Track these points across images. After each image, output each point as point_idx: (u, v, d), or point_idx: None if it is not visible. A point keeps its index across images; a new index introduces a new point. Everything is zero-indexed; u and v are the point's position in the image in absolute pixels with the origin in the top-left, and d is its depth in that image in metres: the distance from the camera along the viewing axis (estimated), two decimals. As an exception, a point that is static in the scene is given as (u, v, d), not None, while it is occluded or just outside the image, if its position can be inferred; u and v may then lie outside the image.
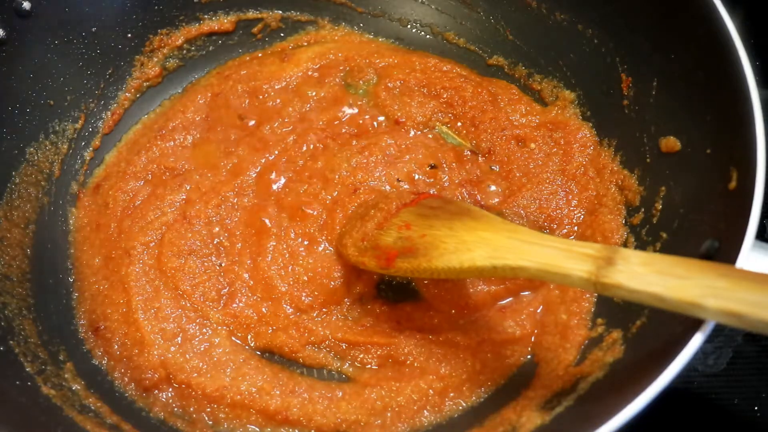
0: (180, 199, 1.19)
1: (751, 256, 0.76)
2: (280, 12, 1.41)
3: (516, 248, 0.85)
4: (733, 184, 0.85)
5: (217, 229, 1.16)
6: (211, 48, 1.39)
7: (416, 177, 1.21)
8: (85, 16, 1.22)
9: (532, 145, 1.23)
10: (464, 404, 1.01)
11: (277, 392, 1.01)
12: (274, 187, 1.20)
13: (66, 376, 0.99)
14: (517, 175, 1.21)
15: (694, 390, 1.11)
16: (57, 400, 0.93)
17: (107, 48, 1.28)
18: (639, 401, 0.71)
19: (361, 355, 1.06)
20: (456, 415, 1.00)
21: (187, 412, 1.01)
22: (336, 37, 1.40)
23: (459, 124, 1.28)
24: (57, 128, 1.22)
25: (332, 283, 1.11)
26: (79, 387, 0.99)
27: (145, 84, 1.34)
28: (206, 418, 1.00)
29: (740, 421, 1.10)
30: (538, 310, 1.08)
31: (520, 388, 0.98)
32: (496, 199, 1.19)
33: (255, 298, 1.11)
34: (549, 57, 1.28)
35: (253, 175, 1.21)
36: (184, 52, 1.37)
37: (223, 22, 1.38)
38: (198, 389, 1.01)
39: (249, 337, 1.08)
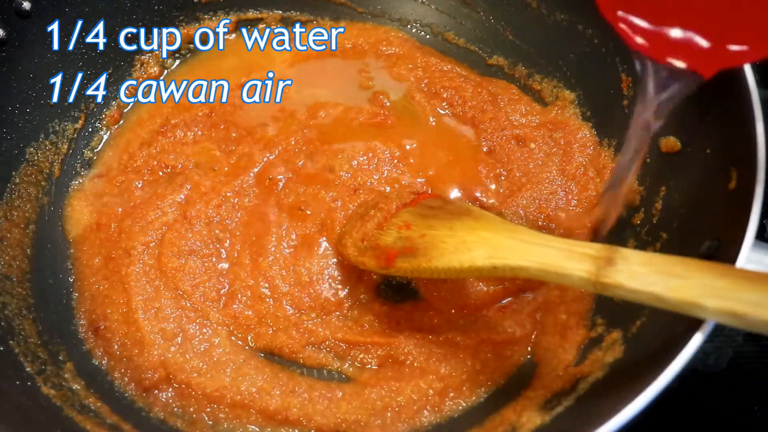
0: (180, 199, 1.19)
1: (751, 256, 0.76)
2: (280, 12, 1.42)
3: (516, 248, 0.85)
4: (733, 184, 0.85)
5: (217, 229, 1.16)
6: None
7: (416, 177, 1.22)
8: (85, 16, 1.22)
9: (532, 145, 1.23)
10: (464, 404, 1.01)
11: (277, 392, 1.01)
12: (274, 187, 1.20)
13: (66, 376, 0.99)
14: (517, 174, 1.21)
15: (694, 390, 1.11)
16: (57, 400, 0.93)
17: (107, 48, 1.28)
18: (639, 401, 0.71)
19: (361, 355, 1.06)
20: (456, 415, 1.00)
21: (187, 412, 1.01)
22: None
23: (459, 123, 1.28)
24: (57, 128, 1.22)
25: (332, 283, 1.11)
26: (79, 387, 0.99)
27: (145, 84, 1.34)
28: (206, 418, 1.00)
29: (740, 421, 1.10)
30: (538, 310, 1.08)
31: (520, 388, 0.98)
32: (495, 200, 1.19)
33: (255, 298, 1.10)
34: (549, 57, 1.28)
35: (253, 175, 1.21)
36: (184, 52, 1.37)
37: (224, 22, 1.39)
38: (198, 389, 1.01)
39: (249, 337, 1.08)
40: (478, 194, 1.20)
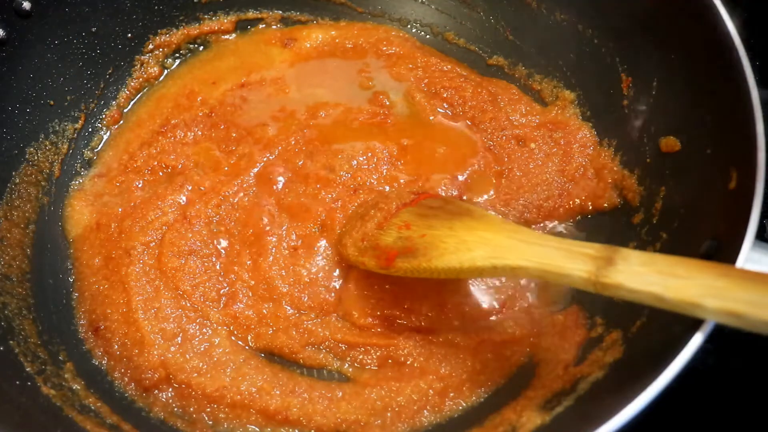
0: (180, 199, 1.19)
1: (751, 256, 0.76)
2: (280, 12, 1.42)
3: (516, 248, 0.85)
4: (733, 184, 0.85)
5: (217, 229, 1.16)
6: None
7: (416, 177, 1.21)
8: (85, 16, 1.22)
9: (532, 145, 1.23)
10: (464, 404, 1.01)
11: (277, 392, 1.01)
12: (274, 187, 1.20)
13: (66, 376, 0.99)
14: (517, 174, 1.21)
15: (694, 390, 1.11)
16: (57, 400, 0.93)
17: (107, 48, 1.28)
18: (639, 401, 0.71)
19: (361, 356, 1.06)
20: (456, 415, 1.00)
21: (187, 412, 1.01)
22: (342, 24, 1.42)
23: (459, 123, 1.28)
24: (57, 128, 1.22)
25: (332, 283, 1.11)
26: (79, 387, 0.99)
27: (145, 84, 1.34)
28: (206, 418, 1.00)
29: (740, 421, 1.10)
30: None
31: (520, 388, 0.98)
32: (494, 199, 1.19)
33: (255, 298, 1.10)
34: (549, 57, 1.28)
35: (253, 175, 1.21)
36: (184, 52, 1.37)
37: (223, 22, 1.39)
38: (198, 389, 1.01)
39: (249, 337, 1.08)
40: (476, 193, 1.20)
